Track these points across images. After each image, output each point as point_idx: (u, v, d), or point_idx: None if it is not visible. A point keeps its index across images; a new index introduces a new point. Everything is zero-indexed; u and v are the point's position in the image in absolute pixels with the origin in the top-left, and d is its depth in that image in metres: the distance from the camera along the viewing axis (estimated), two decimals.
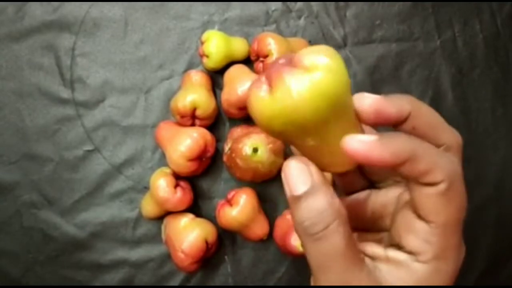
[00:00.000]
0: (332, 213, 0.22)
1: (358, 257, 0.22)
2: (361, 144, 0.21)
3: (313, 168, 0.23)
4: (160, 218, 0.54)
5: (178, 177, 0.53)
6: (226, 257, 0.56)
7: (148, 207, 0.53)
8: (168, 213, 0.53)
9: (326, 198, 0.22)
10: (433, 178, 0.21)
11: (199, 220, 0.52)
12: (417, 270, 0.22)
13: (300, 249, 0.48)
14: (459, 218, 0.22)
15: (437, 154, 0.22)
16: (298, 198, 0.22)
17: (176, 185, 0.51)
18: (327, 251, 0.22)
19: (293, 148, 0.26)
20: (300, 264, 0.56)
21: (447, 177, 0.21)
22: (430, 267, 0.22)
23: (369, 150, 0.21)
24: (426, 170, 0.21)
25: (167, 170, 0.53)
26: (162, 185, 0.50)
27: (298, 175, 0.22)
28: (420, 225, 0.22)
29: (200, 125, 0.53)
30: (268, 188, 0.56)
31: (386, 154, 0.21)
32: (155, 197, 0.50)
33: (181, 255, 0.49)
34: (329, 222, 0.22)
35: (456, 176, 0.22)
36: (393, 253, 0.23)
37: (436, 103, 0.58)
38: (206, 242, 0.50)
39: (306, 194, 0.22)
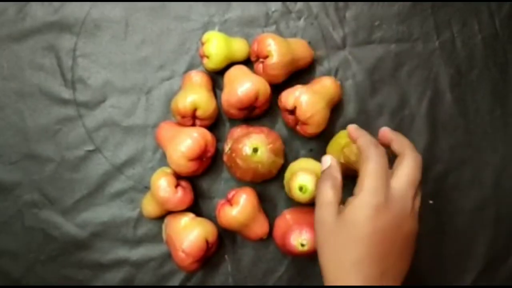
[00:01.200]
0: (329, 177, 0.41)
1: (337, 204, 0.39)
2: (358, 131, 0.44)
3: (334, 161, 0.43)
4: (161, 218, 0.54)
5: (178, 177, 0.53)
6: (226, 256, 0.56)
7: (149, 207, 0.54)
8: (169, 212, 0.53)
9: (331, 171, 0.42)
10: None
11: (199, 219, 0.52)
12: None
13: (300, 248, 0.48)
14: (375, 169, 0.38)
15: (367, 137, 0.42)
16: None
17: (177, 185, 0.51)
18: (321, 196, 0.40)
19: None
20: (300, 264, 0.56)
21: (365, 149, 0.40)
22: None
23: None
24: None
25: (167, 170, 0.53)
26: (162, 185, 0.50)
27: (326, 161, 0.43)
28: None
29: (200, 125, 0.54)
30: (268, 188, 0.56)
31: None
32: (156, 197, 0.51)
33: (182, 255, 0.49)
34: (325, 180, 0.41)
35: (370, 150, 0.39)
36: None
37: (434, 104, 0.58)
38: (207, 242, 0.50)
39: (324, 169, 0.43)
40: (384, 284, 0.36)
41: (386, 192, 0.37)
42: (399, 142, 0.41)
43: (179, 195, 0.50)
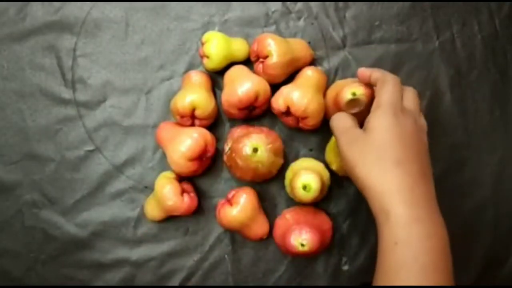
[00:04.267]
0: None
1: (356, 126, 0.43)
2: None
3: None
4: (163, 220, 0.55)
5: (180, 179, 0.53)
6: (226, 256, 0.56)
7: (153, 212, 0.54)
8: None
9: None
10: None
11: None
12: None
13: (300, 248, 0.48)
14: (392, 88, 0.43)
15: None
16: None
17: (182, 191, 0.51)
18: (341, 122, 0.44)
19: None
20: (300, 264, 0.56)
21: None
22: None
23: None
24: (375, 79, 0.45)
25: (169, 174, 0.53)
26: (169, 195, 0.50)
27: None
28: None
29: (200, 125, 0.54)
30: (268, 188, 0.56)
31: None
32: (163, 206, 0.51)
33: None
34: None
35: (387, 76, 0.45)
36: None
37: (434, 104, 0.58)
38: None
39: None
40: (427, 181, 0.40)
41: (400, 104, 0.42)
42: (377, 73, 0.45)
43: (187, 202, 0.51)
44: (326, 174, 0.52)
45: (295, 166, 0.53)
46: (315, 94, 0.51)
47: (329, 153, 0.54)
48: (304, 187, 0.48)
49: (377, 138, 0.39)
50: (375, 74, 0.45)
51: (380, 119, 0.40)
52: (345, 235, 0.56)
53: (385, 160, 0.38)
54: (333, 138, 0.54)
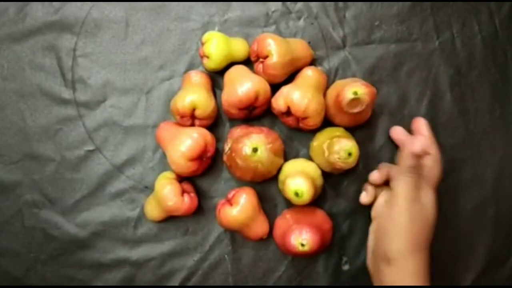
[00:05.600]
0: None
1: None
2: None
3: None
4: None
5: (180, 179, 0.53)
6: (226, 256, 0.56)
7: (153, 213, 0.54)
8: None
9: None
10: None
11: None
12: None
13: (300, 248, 0.48)
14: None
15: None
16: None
17: (182, 192, 0.51)
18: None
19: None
20: (299, 264, 0.56)
21: None
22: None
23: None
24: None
25: (170, 175, 0.53)
26: (169, 195, 0.50)
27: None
28: None
29: (200, 125, 0.54)
30: (268, 188, 0.56)
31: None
32: (163, 206, 0.51)
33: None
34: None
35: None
36: None
37: (434, 104, 0.58)
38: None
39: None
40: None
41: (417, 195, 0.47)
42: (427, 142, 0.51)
43: (187, 202, 0.51)
44: (317, 173, 0.52)
45: (285, 169, 0.53)
46: (315, 94, 0.51)
47: (321, 134, 0.54)
48: (296, 193, 0.48)
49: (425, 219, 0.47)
50: (393, 171, 0.49)
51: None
52: (345, 235, 0.56)
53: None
54: (335, 127, 0.54)
